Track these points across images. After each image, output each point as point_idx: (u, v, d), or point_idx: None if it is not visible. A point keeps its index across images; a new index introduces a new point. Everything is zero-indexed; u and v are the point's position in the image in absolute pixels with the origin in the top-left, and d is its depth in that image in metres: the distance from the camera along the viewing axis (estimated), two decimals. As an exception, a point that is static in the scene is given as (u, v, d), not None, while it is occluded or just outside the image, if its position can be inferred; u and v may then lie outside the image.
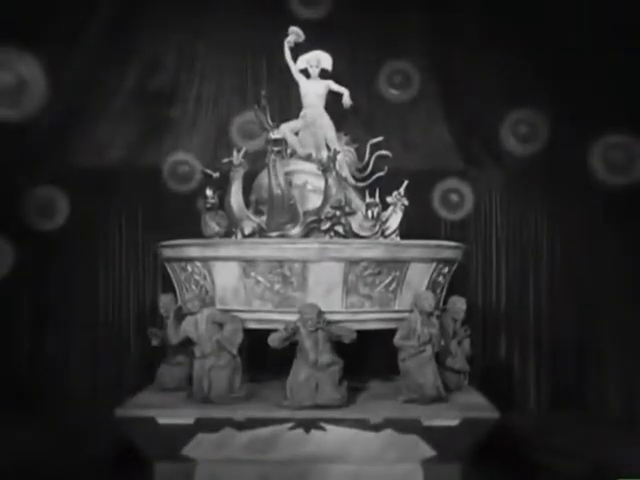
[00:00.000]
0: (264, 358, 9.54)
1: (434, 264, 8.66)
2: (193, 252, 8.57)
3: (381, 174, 9.56)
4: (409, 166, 9.79)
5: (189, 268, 8.67)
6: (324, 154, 9.01)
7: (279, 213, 8.61)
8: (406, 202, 9.06)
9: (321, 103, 9.76)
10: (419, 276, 8.56)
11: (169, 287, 9.46)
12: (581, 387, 11.42)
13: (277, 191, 8.55)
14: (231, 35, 11.58)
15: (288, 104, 10.90)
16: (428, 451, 7.95)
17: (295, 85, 10.20)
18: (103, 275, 11.45)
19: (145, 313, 11.15)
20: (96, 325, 11.34)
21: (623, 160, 10.03)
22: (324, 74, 9.93)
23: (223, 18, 11.56)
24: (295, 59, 9.96)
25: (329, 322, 8.14)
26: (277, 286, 8.28)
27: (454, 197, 11.10)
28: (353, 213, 8.81)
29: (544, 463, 9.17)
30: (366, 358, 10.13)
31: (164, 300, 9.04)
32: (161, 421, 7.89)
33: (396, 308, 8.52)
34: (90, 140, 11.41)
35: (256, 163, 9.44)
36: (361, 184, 9.51)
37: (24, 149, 11.01)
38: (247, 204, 9.01)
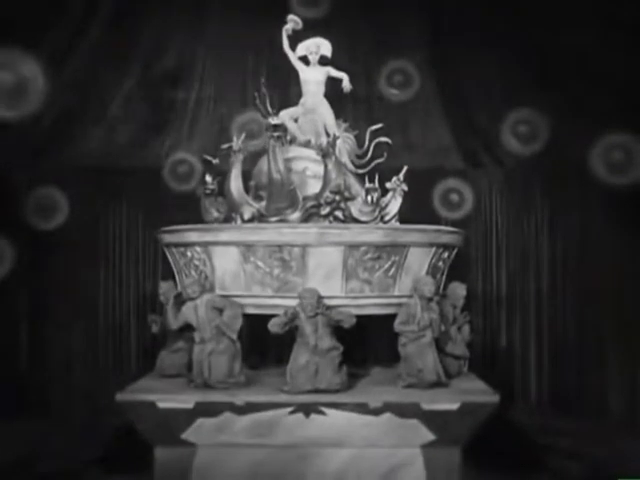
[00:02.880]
0: (264, 343, 9.56)
1: (433, 249, 8.64)
2: (193, 237, 8.56)
3: (380, 161, 9.57)
4: (409, 165, 9.78)
5: (189, 254, 8.67)
6: (324, 140, 9.02)
7: (278, 198, 8.62)
8: (405, 187, 9.07)
9: (321, 90, 9.74)
10: (419, 261, 8.55)
11: (169, 276, 9.46)
12: (581, 383, 11.42)
13: (276, 176, 8.59)
14: (231, 35, 11.68)
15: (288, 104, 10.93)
16: (428, 435, 7.92)
17: (295, 85, 10.23)
18: (104, 271, 11.49)
19: (145, 303, 11.16)
20: (96, 319, 11.35)
21: (623, 160, 10.05)
22: (323, 61, 9.93)
23: (223, 18, 11.68)
24: (293, 48, 9.99)
25: (329, 307, 8.12)
26: (277, 271, 8.27)
27: (454, 197, 11.15)
28: (352, 198, 8.79)
29: (544, 459, 9.18)
30: (366, 344, 10.16)
31: (164, 287, 9.03)
32: (161, 405, 7.85)
33: (396, 293, 8.49)
34: (90, 139, 11.47)
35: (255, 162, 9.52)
36: (361, 171, 9.51)
37: (24, 149, 11.07)
38: (247, 190, 9.02)
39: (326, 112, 9.63)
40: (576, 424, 10.58)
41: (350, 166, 9.45)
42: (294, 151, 9.39)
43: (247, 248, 8.26)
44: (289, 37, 9.89)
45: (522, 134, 10.93)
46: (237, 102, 11.52)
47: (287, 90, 11.04)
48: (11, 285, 10.66)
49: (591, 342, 11.51)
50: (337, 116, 9.77)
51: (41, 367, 11.31)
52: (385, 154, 9.53)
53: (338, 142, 8.89)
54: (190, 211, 9.45)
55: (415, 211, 9.65)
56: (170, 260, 9.15)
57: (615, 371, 11.32)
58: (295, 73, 10.07)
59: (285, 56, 9.99)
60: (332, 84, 9.90)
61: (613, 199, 10.83)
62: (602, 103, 10.64)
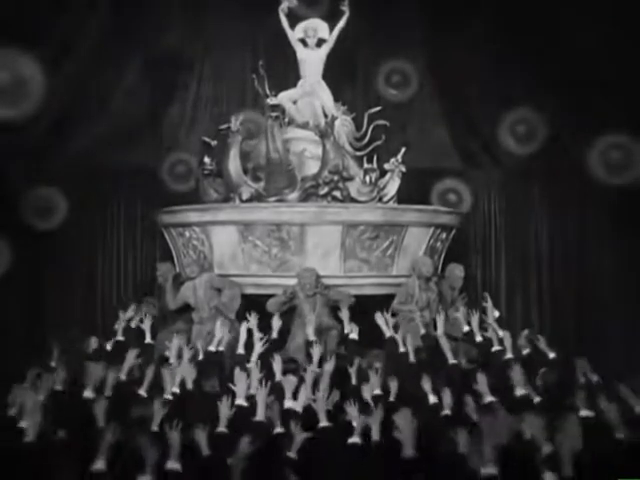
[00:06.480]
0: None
1: (432, 229, 8.69)
2: (192, 217, 8.61)
3: (379, 143, 9.59)
4: (408, 165, 9.80)
5: (187, 234, 8.70)
6: (322, 121, 9.04)
7: (277, 178, 8.65)
8: (403, 169, 9.11)
9: (319, 72, 9.78)
10: (417, 241, 8.58)
11: (166, 259, 9.45)
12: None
13: (275, 156, 8.60)
14: (230, 34, 11.70)
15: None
16: (425, 416, 7.87)
17: (294, 84, 10.30)
18: (101, 269, 11.42)
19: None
20: (94, 317, 11.31)
21: (622, 160, 10.05)
22: (321, 42, 9.95)
23: (222, 17, 11.68)
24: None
25: (327, 286, 8.13)
26: (275, 250, 8.29)
27: (452, 197, 11.10)
28: (351, 179, 8.83)
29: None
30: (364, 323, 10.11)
31: (162, 268, 9.00)
32: (159, 384, 7.81)
33: (394, 273, 8.52)
34: (88, 139, 11.44)
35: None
36: (359, 153, 9.53)
37: (23, 148, 11.05)
38: (245, 171, 9.04)
39: (324, 94, 9.66)
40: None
41: (348, 148, 9.47)
42: (293, 132, 9.45)
43: (245, 227, 8.29)
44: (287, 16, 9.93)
45: (520, 134, 10.90)
46: (236, 101, 11.50)
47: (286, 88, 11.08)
48: (9, 285, 10.57)
49: (590, 343, 11.40)
50: (335, 99, 9.82)
51: (39, 366, 11.20)
52: (383, 137, 9.54)
53: (336, 123, 8.93)
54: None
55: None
56: (169, 241, 9.16)
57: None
58: (294, 70, 10.13)
59: (284, 54, 10.06)
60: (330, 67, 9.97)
61: (611, 199, 10.78)
62: (601, 103, 10.60)
